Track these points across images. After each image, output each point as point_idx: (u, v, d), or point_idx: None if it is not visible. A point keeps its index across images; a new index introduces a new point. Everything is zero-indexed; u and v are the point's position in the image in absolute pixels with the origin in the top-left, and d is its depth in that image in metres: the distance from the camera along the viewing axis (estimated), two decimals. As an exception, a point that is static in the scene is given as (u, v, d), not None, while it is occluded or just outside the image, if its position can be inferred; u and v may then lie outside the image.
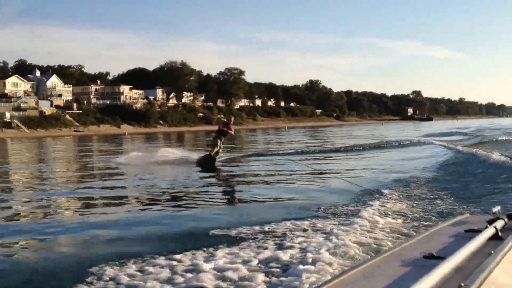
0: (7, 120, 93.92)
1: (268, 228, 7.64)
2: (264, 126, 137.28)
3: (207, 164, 20.37)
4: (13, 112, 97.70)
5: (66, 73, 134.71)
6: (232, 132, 22.12)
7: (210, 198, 12.31)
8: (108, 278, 5.47)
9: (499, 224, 2.39)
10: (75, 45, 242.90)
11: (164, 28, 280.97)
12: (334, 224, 7.68)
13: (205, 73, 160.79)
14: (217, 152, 21.29)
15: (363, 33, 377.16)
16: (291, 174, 16.65)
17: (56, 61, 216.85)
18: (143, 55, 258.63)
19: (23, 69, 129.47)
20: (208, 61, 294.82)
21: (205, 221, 8.91)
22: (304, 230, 7.37)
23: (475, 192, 11.18)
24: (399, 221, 7.87)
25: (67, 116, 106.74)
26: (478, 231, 2.33)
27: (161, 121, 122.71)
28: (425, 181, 13.09)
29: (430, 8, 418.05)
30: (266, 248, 6.48)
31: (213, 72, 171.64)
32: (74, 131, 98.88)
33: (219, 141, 21.31)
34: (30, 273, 6.02)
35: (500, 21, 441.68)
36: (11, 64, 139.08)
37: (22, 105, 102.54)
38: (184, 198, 12.43)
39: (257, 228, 7.68)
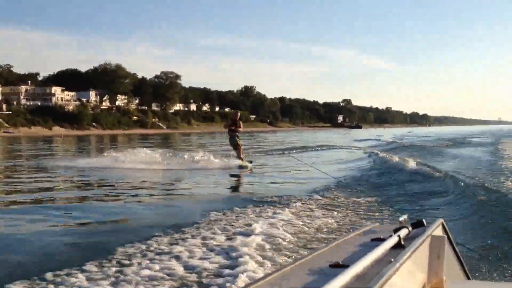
0: None
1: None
2: (199, 131, 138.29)
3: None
4: None
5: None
6: (240, 129, 21.36)
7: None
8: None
9: (403, 232, 2.48)
10: (4, 44, 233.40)
11: (98, 30, 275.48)
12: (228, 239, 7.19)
13: (140, 76, 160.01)
14: (240, 150, 21.19)
15: (297, 40, 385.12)
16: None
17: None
18: (76, 56, 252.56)
19: None
20: (143, 64, 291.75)
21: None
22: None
23: (390, 199, 11.37)
24: (307, 231, 7.82)
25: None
26: (383, 240, 2.41)
27: (94, 124, 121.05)
28: (339, 188, 13.16)
29: (363, 18, 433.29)
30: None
31: (148, 75, 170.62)
32: (4, 132, 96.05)
33: (236, 138, 21.11)
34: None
35: (426, 37, 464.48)
36: None
37: None
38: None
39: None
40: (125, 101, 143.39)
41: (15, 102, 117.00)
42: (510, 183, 12.44)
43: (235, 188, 15.64)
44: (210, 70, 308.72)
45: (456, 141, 44.88)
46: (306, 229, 7.97)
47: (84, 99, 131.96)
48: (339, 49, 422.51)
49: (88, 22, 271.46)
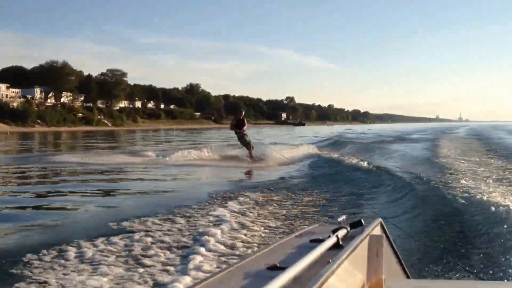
0: None
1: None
2: (145, 128, 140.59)
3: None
4: None
5: None
6: (244, 128, 21.11)
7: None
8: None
9: (341, 233, 2.47)
10: None
11: (40, 27, 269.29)
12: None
13: (85, 74, 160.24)
14: (251, 146, 21.12)
15: (240, 40, 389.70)
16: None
17: None
18: (19, 54, 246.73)
19: None
20: (86, 61, 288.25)
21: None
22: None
23: (329, 198, 11.16)
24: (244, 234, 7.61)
25: None
26: (321, 241, 2.39)
27: (39, 121, 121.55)
28: (279, 187, 12.95)
29: (304, 19, 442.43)
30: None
31: (93, 73, 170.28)
32: None
33: (246, 137, 21.08)
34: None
35: (367, 38, 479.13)
36: None
37: None
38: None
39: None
40: (71, 98, 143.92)
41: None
42: (448, 179, 11.83)
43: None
44: (154, 68, 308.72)
45: (396, 138, 44.86)
46: (243, 236, 7.54)
47: (29, 96, 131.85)
48: (280, 48, 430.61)
49: (28, 19, 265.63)
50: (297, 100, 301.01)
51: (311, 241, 2.56)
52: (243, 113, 22.18)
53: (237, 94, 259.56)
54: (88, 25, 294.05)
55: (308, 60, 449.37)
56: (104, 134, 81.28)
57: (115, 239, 7.20)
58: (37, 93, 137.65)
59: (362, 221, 2.72)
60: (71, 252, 6.54)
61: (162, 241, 7.07)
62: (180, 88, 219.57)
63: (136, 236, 7.32)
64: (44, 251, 6.51)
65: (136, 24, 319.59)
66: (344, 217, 2.70)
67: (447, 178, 12.32)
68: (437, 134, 54.48)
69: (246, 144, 21.12)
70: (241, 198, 10.73)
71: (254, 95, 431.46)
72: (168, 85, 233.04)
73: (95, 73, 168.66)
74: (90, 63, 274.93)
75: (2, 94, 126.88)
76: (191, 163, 20.31)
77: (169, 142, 49.33)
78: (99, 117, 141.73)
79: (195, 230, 7.68)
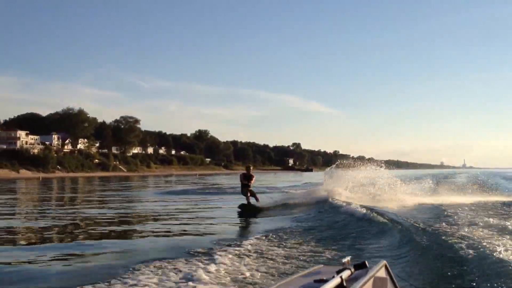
0: None
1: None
2: (158, 173, 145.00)
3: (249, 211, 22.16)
4: None
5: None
6: (252, 181, 23.41)
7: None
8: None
9: (345, 274, 2.46)
10: None
11: (41, 72, 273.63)
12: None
13: (99, 120, 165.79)
14: (253, 197, 23.24)
15: (245, 86, 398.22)
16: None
17: None
18: (21, 98, 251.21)
19: None
20: (88, 106, 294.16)
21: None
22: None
23: (333, 241, 11.46)
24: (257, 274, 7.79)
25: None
26: (326, 281, 2.40)
27: (58, 167, 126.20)
28: (290, 231, 13.64)
29: (305, 66, 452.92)
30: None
31: (97, 117, 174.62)
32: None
33: (251, 190, 23.22)
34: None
35: (369, 84, 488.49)
36: None
37: None
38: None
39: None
40: (87, 144, 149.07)
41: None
42: (445, 225, 12.29)
43: None
44: (155, 113, 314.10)
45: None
46: (248, 273, 7.80)
47: (47, 143, 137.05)
48: (282, 94, 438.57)
49: (28, 63, 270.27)
50: (302, 146, 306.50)
51: (315, 281, 2.54)
52: (251, 169, 24.91)
53: (242, 139, 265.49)
54: (88, 70, 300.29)
55: (311, 106, 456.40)
56: (120, 180, 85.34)
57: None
58: (55, 139, 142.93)
59: (366, 263, 2.73)
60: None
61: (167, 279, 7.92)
62: (189, 134, 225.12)
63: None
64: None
65: (137, 69, 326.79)
66: (348, 258, 2.73)
67: (445, 224, 12.52)
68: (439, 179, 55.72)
69: (253, 194, 23.26)
70: (243, 241, 11.26)
71: (259, 139, 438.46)
72: (170, 130, 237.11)
73: (99, 117, 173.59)
74: (92, 108, 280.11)
75: (23, 141, 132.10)
76: None
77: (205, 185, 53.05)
78: (114, 162, 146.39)
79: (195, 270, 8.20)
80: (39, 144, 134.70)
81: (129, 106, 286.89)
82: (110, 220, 19.25)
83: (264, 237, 12.11)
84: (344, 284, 2.39)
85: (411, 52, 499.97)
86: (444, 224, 12.79)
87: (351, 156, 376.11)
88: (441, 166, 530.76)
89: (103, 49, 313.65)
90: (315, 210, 19.91)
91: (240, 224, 17.69)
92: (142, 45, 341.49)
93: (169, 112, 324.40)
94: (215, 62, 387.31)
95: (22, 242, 14.29)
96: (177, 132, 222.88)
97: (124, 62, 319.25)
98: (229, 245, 10.87)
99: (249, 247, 10.35)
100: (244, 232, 13.97)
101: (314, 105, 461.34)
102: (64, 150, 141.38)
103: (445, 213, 16.35)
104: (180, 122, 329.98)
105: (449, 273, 7.15)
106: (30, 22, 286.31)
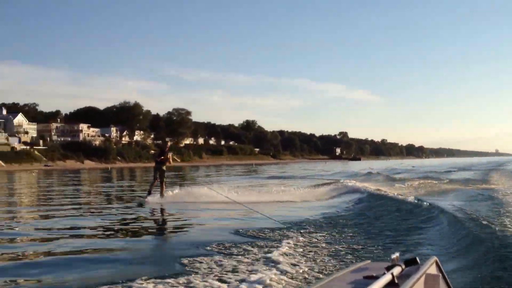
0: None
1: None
2: (210, 163, 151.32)
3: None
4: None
5: (23, 111, 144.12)
6: (170, 162, 20.34)
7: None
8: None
9: (396, 271, 2.41)
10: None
11: (89, 66, 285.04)
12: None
13: (153, 113, 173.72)
14: (164, 186, 20.26)
15: (289, 75, 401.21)
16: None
17: None
18: (69, 91, 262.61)
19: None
20: (133, 98, 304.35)
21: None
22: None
23: (383, 235, 10.92)
24: (300, 269, 7.49)
25: (36, 152, 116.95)
26: (376, 278, 2.35)
27: (118, 157, 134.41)
28: (334, 222, 12.99)
29: (349, 53, 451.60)
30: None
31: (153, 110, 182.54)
32: (44, 165, 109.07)
33: (157, 173, 20.07)
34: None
35: (416, 70, 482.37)
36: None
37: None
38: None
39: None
40: (143, 136, 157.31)
41: (48, 138, 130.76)
42: (505, 219, 11.52)
43: None
44: (199, 104, 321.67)
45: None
46: (293, 270, 7.39)
47: (106, 135, 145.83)
48: (327, 82, 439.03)
49: (74, 57, 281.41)
50: (349, 135, 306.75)
51: (365, 277, 2.54)
52: (169, 145, 22.52)
53: (287, 129, 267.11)
54: (132, 62, 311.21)
55: (357, 94, 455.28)
56: (179, 170, 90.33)
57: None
58: (113, 132, 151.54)
59: (417, 259, 2.69)
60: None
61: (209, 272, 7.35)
62: (236, 125, 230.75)
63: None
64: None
65: (180, 60, 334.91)
66: (397, 254, 2.69)
67: (502, 216, 11.95)
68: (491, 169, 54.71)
69: (162, 181, 19.99)
70: (288, 233, 10.75)
71: (305, 128, 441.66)
72: (213, 120, 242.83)
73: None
74: (136, 100, 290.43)
75: (85, 133, 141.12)
76: None
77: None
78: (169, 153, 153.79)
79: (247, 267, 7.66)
80: (99, 136, 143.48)
81: (172, 98, 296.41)
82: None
83: (296, 228, 11.70)
84: (396, 281, 2.35)
85: (466, 32, 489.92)
86: (501, 216, 12.10)
87: (399, 144, 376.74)
88: (496, 153, 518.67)
89: (146, 42, 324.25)
90: (348, 199, 19.13)
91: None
92: (184, 37, 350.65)
93: (212, 103, 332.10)
94: (258, 52, 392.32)
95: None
96: (220, 122, 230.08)
97: (167, 54, 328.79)
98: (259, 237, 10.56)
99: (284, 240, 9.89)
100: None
101: (360, 93, 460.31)
102: (122, 142, 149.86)
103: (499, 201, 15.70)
104: (223, 113, 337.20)
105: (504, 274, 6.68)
106: (77, 19, 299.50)
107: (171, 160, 20.45)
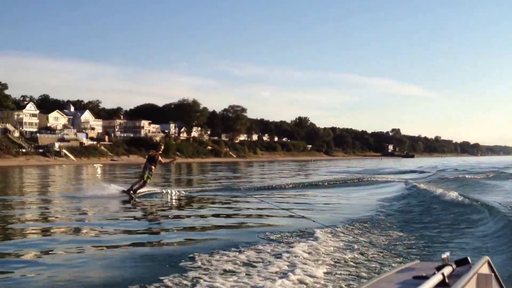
0: (57, 149, 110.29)
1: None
2: (264, 159, 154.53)
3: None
4: (60, 143, 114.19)
5: (87, 108, 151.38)
6: (161, 160, 20.86)
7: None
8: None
9: (447, 270, 2.39)
10: (50, 75, 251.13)
11: (142, 62, 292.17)
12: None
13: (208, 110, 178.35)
14: (143, 184, 20.43)
15: (338, 70, 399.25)
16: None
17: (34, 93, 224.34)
18: (123, 87, 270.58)
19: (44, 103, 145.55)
20: (184, 94, 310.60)
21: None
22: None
23: (431, 235, 10.80)
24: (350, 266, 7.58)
25: (102, 147, 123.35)
26: (426, 278, 2.32)
27: (178, 153, 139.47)
28: (384, 221, 12.93)
29: (402, 48, 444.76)
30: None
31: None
32: (111, 160, 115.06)
33: (147, 172, 20.36)
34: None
35: (471, 64, 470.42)
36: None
37: (65, 136, 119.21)
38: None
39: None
40: (200, 132, 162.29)
41: (112, 134, 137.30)
42: None
43: None
44: (249, 100, 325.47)
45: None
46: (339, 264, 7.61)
47: (166, 131, 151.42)
48: (377, 77, 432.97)
49: (126, 54, 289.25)
50: (402, 132, 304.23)
51: (415, 277, 2.50)
52: (162, 148, 22.34)
53: (338, 125, 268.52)
54: (184, 59, 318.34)
55: (408, 90, 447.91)
56: (229, 165, 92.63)
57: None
58: (172, 128, 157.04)
59: (469, 259, 2.65)
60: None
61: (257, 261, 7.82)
62: (289, 121, 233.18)
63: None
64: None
65: (230, 56, 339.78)
66: (448, 253, 2.66)
67: None
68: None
69: (141, 176, 20.52)
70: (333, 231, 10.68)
71: (355, 125, 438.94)
72: (263, 116, 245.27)
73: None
74: (187, 95, 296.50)
75: (146, 129, 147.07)
76: None
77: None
78: (225, 149, 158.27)
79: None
80: (159, 133, 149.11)
81: (223, 93, 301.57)
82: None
83: (345, 226, 11.80)
84: (446, 281, 2.33)
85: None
86: None
87: (453, 141, 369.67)
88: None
89: (198, 38, 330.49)
90: (403, 196, 19.22)
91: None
92: (235, 33, 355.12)
93: (262, 98, 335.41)
94: (307, 46, 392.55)
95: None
96: (271, 118, 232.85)
97: (218, 50, 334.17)
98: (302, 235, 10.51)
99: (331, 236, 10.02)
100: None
101: (412, 89, 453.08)
102: (181, 138, 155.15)
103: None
104: (274, 108, 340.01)
105: None
106: (130, 16, 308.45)
107: (162, 161, 21.03)
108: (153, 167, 20.41)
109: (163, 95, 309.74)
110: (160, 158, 20.67)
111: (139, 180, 20.43)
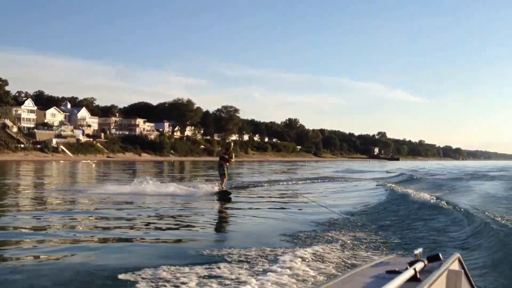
0: (54, 145, 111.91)
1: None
2: (255, 159, 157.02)
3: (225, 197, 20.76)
4: (57, 139, 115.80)
5: (82, 105, 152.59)
6: (233, 159, 22.46)
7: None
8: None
9: (419, 266, 2.42)
10: (41, 71, 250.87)
11: (132, 59, 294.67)
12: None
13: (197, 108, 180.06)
14: (224, 178, 22.17)
15: (329, 74, 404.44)
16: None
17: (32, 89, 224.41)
18: (115, 85, 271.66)
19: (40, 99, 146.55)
20: (176, 94, 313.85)
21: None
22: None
23: (403, 232, 10.96)
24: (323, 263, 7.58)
25: (98, 144, 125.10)
26: (398, 272, 2.36)
27: (172, 151, 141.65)
28: (357, 220, 13.05)
29: (390, 53, 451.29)
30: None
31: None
32: (107, 157, 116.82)
33: (224, 168, 22.02)
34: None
35: (456, 72, 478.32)
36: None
37: (62, 133, 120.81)
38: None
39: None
40: (193, 131, 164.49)
41: (107, 131, 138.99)
42: None
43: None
44: (240, 100, 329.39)
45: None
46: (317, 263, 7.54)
47: (160, 129, 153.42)
48: (365, 81, 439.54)
49: (118, 51, 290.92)
50: (387, 135, 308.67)
51: (388, 272, 2.55)
52: (232, 146, 23.93)
53: (327, 127, 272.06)
54: (177, 58, 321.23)
55: (396, 94, 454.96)
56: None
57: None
58: (166, 126, 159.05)
59: (440, 255, 2.70)
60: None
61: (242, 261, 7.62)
62: (279, 123, 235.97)
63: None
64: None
65: (222, 57, 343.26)
66: (420, 249, 2.70)
67: None
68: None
69: (222, 174, 22.09)
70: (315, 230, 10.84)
71: (343, 127, 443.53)
72: (253, 117, 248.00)
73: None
74: (179, 95, 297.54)
75: (141, 127, 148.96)
76: None
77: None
78: (218, 148, 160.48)
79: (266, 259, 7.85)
80: (154, 131, 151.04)
81: (214, 93, 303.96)
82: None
83: (327, 225, 11.83)
84: (418, 276, 2.37)
85: (504, 33, 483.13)
86: None
87: (436, 145, 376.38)
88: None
89: (190, 38, 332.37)
90: (379, 198, 19.35)
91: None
92: (227, 33, 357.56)
93: (253, 99, 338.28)
94: (299, 49, 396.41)
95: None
96: (261, 119, 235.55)
97: (210, 51, 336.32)
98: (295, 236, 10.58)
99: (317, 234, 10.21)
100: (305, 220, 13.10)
101: (399, 93, 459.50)
102: (175, 136, 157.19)
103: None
104: (264, 109, 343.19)
105: None
106: (123, 14, 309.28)
107: (233, 158, 22.55)
108: (227, 163, 22.13)
109: (155, 94, 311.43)
110: (232, 155, 22.51)
111: (223, 177, 22.08)
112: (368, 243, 9.56)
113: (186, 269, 7.26)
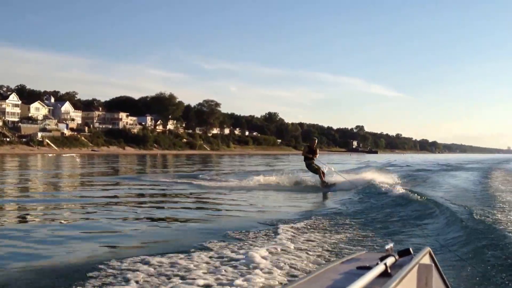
0: (39, 139, 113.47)
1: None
2: (236, 152, 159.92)
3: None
4: (42, 133, 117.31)
5: (64, 99, 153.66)
6: (316, 156, 21.92)
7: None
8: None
9: (390, 261, 2.43)
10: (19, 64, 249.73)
11: (110, 54, 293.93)
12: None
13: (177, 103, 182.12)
14: (323, 173, 21.80)
15: (307, 68, 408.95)
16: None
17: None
18: (92, 79, 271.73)
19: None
20: (152, 87, 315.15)
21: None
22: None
23: (374, 226, 10.89)
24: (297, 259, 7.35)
25: (83, 138, 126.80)
26: (369, 268, 2.34)
27: (155, 145, 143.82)
28: (329, 215, 12.74)
29: (367, 48, 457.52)
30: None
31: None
32: (92, 150, 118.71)
33: (313, 165, 21.87)
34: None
35: (432, 66, 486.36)
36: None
37: (47, 127, 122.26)
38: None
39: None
40: (176, 125, 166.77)
41: (91, 125, 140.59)
42: (497, 212, 11.33)
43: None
44: (217, 94, 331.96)
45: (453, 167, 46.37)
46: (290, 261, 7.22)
47: (143, 123, 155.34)
48: (344, 76, 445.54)
49: (97, 45, 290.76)
50: (365, 129, 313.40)
51: (358, 268, 2.56)
52: (316, 142, 22.92)
53: (306, 121, 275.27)
54: (154, 52, 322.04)
55: (374, 89, 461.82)
56: (202, 157, 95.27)
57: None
58: (149, 120, 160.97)
59: (411, 250, 2.70)
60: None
61: (221, 257, 7.30)
62: (259, 116, 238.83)
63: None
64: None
65: (200, 51, 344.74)
66: (391, 244, 2.68)
67: (495, 210, 11.92)
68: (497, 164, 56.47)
69: (315, 170, 21.90)
70: (291, 224, 10.61)
71: (322, 121, 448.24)
72: (232, 110, 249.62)
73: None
74: (157, 88, 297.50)
75: (124, 121, 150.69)
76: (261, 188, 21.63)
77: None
78: (200, 142, 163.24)
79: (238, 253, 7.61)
80: (136, 125, 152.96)
81: (193, 87, 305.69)
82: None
83: (304, 221, 11.40)
84: (389, 271, 2.37)
85: (480, 28, 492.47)
86: (494, 210, 11.97)
87: (413, 139, 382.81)
88: (508, 150, 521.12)
89: (168, 32, 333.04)
90: (355, 193, 18.58)
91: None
92: (206, 28, 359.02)
93: (232, 93, 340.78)
94: (278, 44, 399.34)
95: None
96: (241, 113, 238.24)
97: (189, 45, 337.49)
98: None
99: (290, 229, 9.92)
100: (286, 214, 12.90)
101: (377, 88, 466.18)
102: (157, 130, 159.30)
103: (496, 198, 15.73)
104: (243, 103, 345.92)
105: (500, 263, 6.67)
106: (99, 6, 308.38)
107: (317, 154, 22.04)
108: (313, 161, 21.89)
109: (134, 88, 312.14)
110: (317, 150, 22.23)
111: (319, 172, 21.79)
112: (336, 241, 9.12)
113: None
